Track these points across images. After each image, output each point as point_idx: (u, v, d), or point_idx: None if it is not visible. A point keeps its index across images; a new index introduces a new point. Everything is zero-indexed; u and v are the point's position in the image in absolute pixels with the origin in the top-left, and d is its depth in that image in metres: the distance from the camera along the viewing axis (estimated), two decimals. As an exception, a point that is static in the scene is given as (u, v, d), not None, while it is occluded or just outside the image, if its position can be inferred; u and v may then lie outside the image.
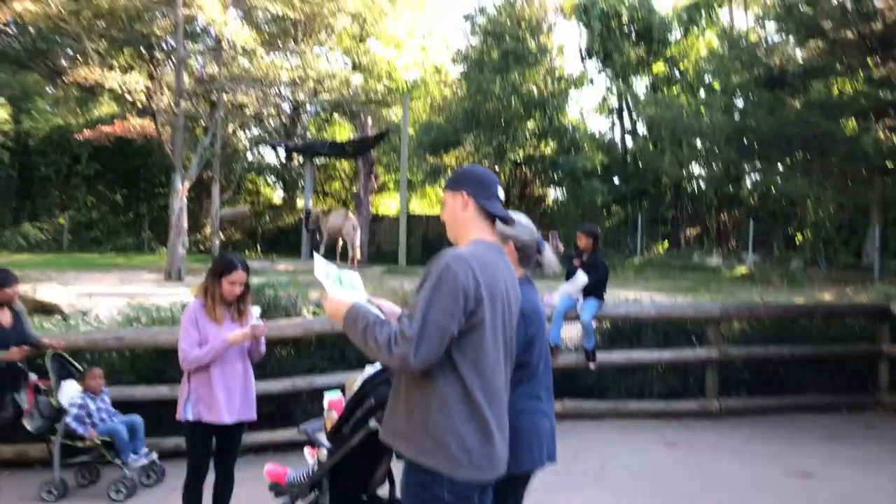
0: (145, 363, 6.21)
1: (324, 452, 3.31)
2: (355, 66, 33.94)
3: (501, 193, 2.32)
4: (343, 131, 35.06)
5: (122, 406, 5.60)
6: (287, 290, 6.98)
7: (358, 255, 22.24)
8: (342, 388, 3.58)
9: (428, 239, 29.49)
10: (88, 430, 5.17)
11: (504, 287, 2.20)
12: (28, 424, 5.18)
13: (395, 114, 31.96)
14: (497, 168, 23.04)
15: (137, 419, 5.40)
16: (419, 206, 36.37)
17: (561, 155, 22.22)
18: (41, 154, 27.10)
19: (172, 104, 18.14)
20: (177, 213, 17.58)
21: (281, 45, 30.53)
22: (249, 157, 35.29)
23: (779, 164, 19.80)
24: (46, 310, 9.25)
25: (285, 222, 34.15)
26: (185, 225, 18.03)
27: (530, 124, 23.19)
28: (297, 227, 33.50)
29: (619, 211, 22.88)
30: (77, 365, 5.62)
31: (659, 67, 22.31)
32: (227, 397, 3.85)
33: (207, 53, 26.84)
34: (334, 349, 6.43)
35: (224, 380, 3.85)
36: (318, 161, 36.21)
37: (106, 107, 29.09)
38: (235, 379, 3.91)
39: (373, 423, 2.89)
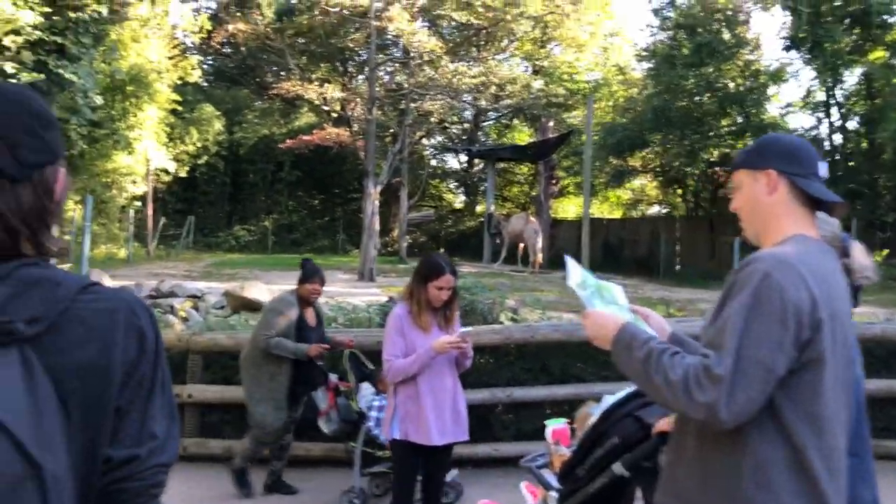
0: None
1: (553, 496, 2.88)
2: (536, 71, 33.87)
3: (825, 170, 1.74)
4: (523, 136, 35.02)
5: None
6: (483, 295, 6.83)
7: (539, 260, 21.99)
8: (566, 418, 3.25)
9: (608, 244, 28.61)
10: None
11: (842, 306, 1.63)
12: (324, 427, 5.07)
13: (575, 116, 31.41)
14: (689, 169, 21.74)
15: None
16: (599, 210, 35.50)
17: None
18: (250, 162, 29.66)
19: (365, 112, 18.92)
20: (369, 217, 18.34)
21: (465, 53, 31.09)
22: (433, 163, 36.30)
23: None
24: (253, 307, 9.88)
25: (467, 226, 34.79)
26: (377, 227, 18.79)
27: (726, 121, 21.60)
28: (478, 231, 33.97)
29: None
30: (369, 364, 5.26)
31: (877, 54, 19.86)
32: (436, 415, 3.58)
33: (396, 64, 27.95)
34: (535, 360, 6.21)
35: (433, 396, 3.58)
36: (499, 165, 36.54)
37: (305, 117, 31.26)
38: (445, 395, 3.65)
39: (617, 468, 2.44)
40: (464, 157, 36.88)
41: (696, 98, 21.07)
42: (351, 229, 31.44)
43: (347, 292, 14.82)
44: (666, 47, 22.17)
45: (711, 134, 21.15)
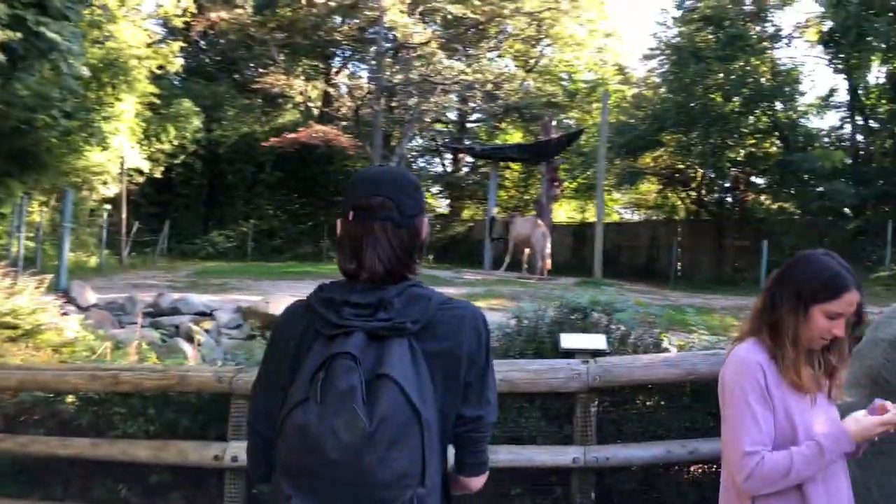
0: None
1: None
2: (528, 70, 32.57)
3: None
4: (515, 137, 33.55)
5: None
6: (639, 315, 5.19)
7: (548, 265, 20.49)
8: None
9: (605, 250, 27.23)
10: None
11: None
12: None
13: (573, 117, 30.10)
14: (703, 171, 20.44)
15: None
16: (593, 215, 34.22)
17: (789, 153, 19.24)
18: (229, 162, 27.59)
19: (371, 103, 17.20)
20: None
21: (456, 49, 29.58)
22: (414, 166, 34.66)
23: None
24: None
25: (456, 231, 33.17)
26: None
27: (752, 119, 20.37)
28: (467, 236, 32.39)
29: (860, 218, 19.50)
30: None
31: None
32: None
33: (387, 58, 26.23)
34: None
35: None
36: (485, 168, 35.10)
37: (289, 115, 29.36)
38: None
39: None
40: (448, 159, 35.37)
41: (725, 94, 19.73)
42: (334, 235, 29.50)
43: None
44: (688, 42, 20.80)
45: (738, 133, 19.83)
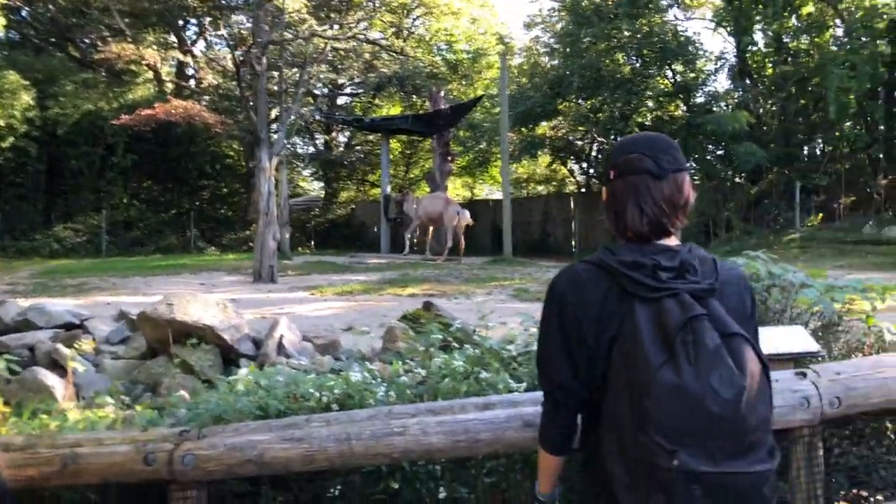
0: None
1: None
2: (405, 40, 30.75)
3: None
4: (394, 113, 31.62)
5: None
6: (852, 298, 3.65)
7: (463, 245, 19.01)
8: None
9: (497, 226, 26.17)
10: None
11: None
12: None
13: (455, 89, 28.63)
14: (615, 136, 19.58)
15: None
16: (480, 192, 33.14)
17: (693, 116, 18.83)
18: (71, 145, 23.64)
19: (252, 62, 14.66)
20: (265, 198, 14.18)
21: (326, 17, 27.14)
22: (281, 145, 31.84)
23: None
24: (201, 336, 5.88)
25: (337, 214, 30.86)
26: (275, 212, 14.65)
27: (656, 81, 19.75)
28: (348, 220, 30.24)
29: (767, 181, 19.44)
30: None
31: (809, 8, 18.91)
32: None
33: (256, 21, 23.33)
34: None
35: None
36: (360, 147, 32.98)
37: (141, 89, 25.71)
38: None
39: None
40: (320, 139, 32.82)
41: (629, 55, 18.90)
42: (205, 223, 26.40)
43: (256, 299, 10.83)
44: (589, 1, 19.70)
45: (642, 97, 19.09)
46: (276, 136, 15.77)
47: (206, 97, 26.55)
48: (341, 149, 33.07)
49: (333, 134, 32.54)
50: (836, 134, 19.43)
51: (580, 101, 20.44)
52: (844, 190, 19.08)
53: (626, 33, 18.54)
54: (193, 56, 26.80)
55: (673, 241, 1.57)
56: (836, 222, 18.71)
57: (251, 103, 15.22)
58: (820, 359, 3.09)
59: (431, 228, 19.96)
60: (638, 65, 19.88)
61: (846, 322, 3.60)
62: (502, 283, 12.80)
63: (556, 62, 22.44)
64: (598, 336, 1.50)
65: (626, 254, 1.51)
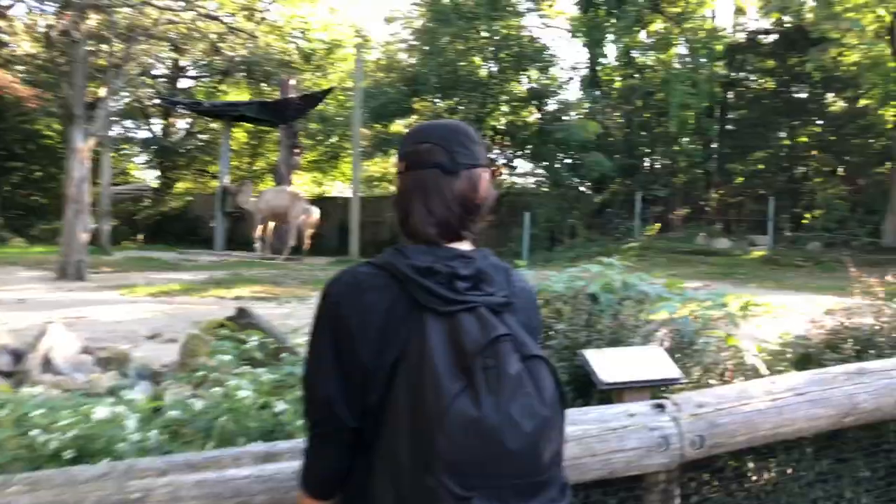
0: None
1: None
2: (257, 23, 29.03)
3: None
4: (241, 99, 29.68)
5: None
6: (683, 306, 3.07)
7: (307, 244, 17.88)
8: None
9: (345, 226, 25.21)
10: None
11: None
12: None
13: (308, 79, 27.30)
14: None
15: None
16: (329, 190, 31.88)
17: (546, 123, 18.86)
18: None
19: (66, 28, 12.73)
20: (77, 183, 12.36)
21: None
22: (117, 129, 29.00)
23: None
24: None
25: (170, 207, 28.42)
26: (88, 200, 12.78)
27: (511, 86, 19.60)
28: (182, 213, 27.97)
29: (611, 190, 19.88)
30: None
31: (656, 25, 19.56)
32: None
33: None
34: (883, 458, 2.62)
35: None
36: (204, 135, 30.70)
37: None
38: None
39: None
40: (158, 123, 30.23)
41: (486, 57, 18.59)
42: (11, 210, 23.27)
43: (51, 300, 9.17)
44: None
45: (497, 100, 18.87)
46: (96, 115, 13.82)
47: (21, 67, 23.52)
48: (181, 136, 30.66)
49: (172, 119, 30.07)
50: (676, 148, 20.26)
51: (436, 100, 19.93)
52: (681, 202, 19.90)
53: (483, 35, 18.24)
54: (6, 19, 23.59)
55: (466, 246, 1.39)
56: (671, 232, 19.47)
57: (66, 75, 13.25)
58: (680, 383, 2.61)
59: (273, 225, 18.62)
60: (495, 68, 19.69)
61: (705, 341, 3.11)
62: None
63: (413, 59, 21.82)
64: (378, 356, 1.27)
65: (420, 257, 1.30)
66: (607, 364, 2.47)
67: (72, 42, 12.66)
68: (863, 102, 19.58)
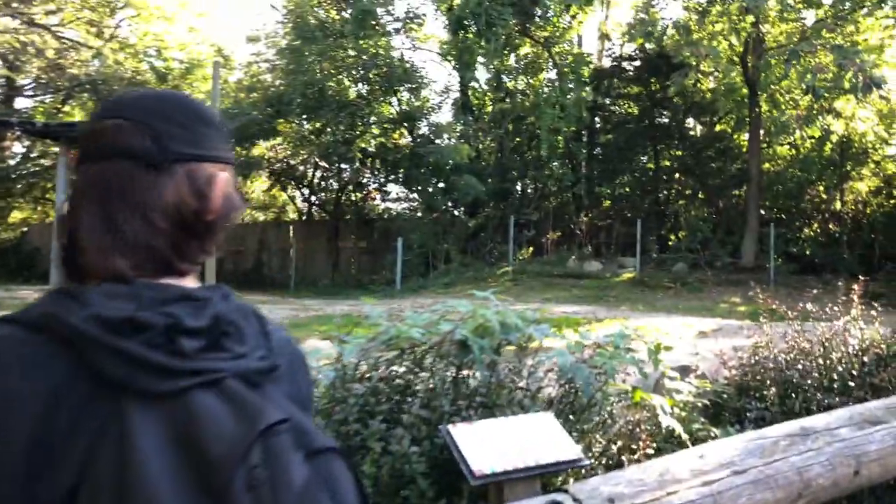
0: None
1: None
2: (107, 40, 26.95)
3: None
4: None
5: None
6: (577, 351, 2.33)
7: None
8: None
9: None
10: None
11: None
12: None
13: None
14: (342, 162, 18.28)
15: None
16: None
17: (418, 146, 18.29)
18: None
19: None
20: None
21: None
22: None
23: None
24: None
25: (1, 239, 25.61)
26: None
27: (381, 107, 18.90)
28: (18, 245, 25.27)
29: (485, 214, 19.57)
30: None
31: (525, 49, 19.54)
32: None
33: None
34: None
35: None
36: (42, 160, 27.95)
37: None
38: None
39: None
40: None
41: (353, 78, 17.81)
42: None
43: None
44: (313, 18, 18.26)
45: (367, 121, 18.13)
46: None
47: None
48: (16, 160, 27.76)
49: (7, 143, 27.16)
50: (546, 172, 20.30)
51: (302, 121, 18.92)
52: (552, 225, 19.89)
53: (351, 53, 17.50)
54: None
55: (190, 283, 0.88)
56: (543, 256, 19.40)
57: None
58: (584, 466, 1.94)
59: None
60: (364, 90, 19.00)
61: (606, 399, 2.42)
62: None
63: (278, 80, 20.79)
64: (33, 486, 0.70)
65: (111, 304, 0.76)
66: (482, 445, 1.70)
67: None
68: (720, 127, 20.49)
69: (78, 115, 27.58)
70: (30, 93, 27.62)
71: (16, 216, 27.30)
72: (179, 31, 27.70)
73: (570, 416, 2.23)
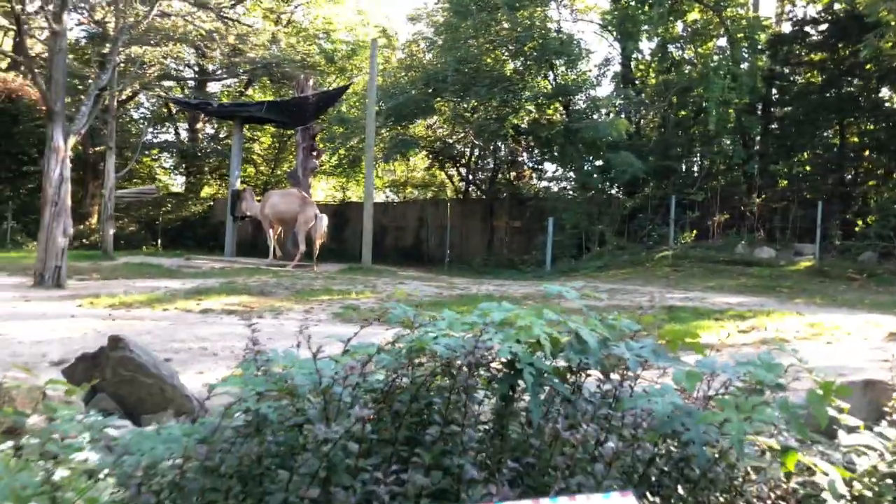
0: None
1: None
2: (284, 25, 28.55)
3: None
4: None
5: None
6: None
7: (316, 251, 16.90)
8: None
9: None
10: None
11: None
12: None
13: (333, 82, 26.54)
14: (494, 139, 17.97)
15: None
16: (355, 194, 31.04)
17: (572, 121, 17.57)
18: None
19: (48, 21, 12.01)
20: (55, 183, 11.56)
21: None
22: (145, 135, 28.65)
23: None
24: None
25: (191, 212, 28.00)
26: (69, 202, 11.99)
27: (536, 81, 18.35)
28: (205, 218, 27.52)
29: (643, 194, 18.47)
30: None
31: (694, 14, 18.09)
32: None
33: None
34: None
35: None
36: (228, 139, 30.20)
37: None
38: None
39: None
40: (185, 127, 29.84)
41: (509, 51, 17.39)
42: (28, 215, 22.99)
43: (13, 312, 8.32)
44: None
45: (520, 96, 17.64)
46: (83, 112, 13.09)
47: (40, 69, 23.28)
48: (207, 139, 30.28)
49: (200, 125, 29.67)
50: (714, 149, 18.74)
51: (458, 99, 18.82)
52: (719, 207, 18.37)
53: (505, 26, 17.03)
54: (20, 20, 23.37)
55: None
56: (709, 240, 17.98)
57: (42, 68, 12.55)
58: None
59: (282, 230, 17.75)
60: (518, 64, 18.48)
61: (734, 466, 1.75)
62: (335, 296, 10.81)
63: (435, 59, 20.82)
64: None
65: None
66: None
67: (52, 33, 11.90)
68: (923, 97, 17.81)
69: (258, 97, 29.57)
70: (219, 77, 29.97)
71: (206, 191, 29.77)
72: (347, 13, 28.69)
73: (671, 500, 1.58)
